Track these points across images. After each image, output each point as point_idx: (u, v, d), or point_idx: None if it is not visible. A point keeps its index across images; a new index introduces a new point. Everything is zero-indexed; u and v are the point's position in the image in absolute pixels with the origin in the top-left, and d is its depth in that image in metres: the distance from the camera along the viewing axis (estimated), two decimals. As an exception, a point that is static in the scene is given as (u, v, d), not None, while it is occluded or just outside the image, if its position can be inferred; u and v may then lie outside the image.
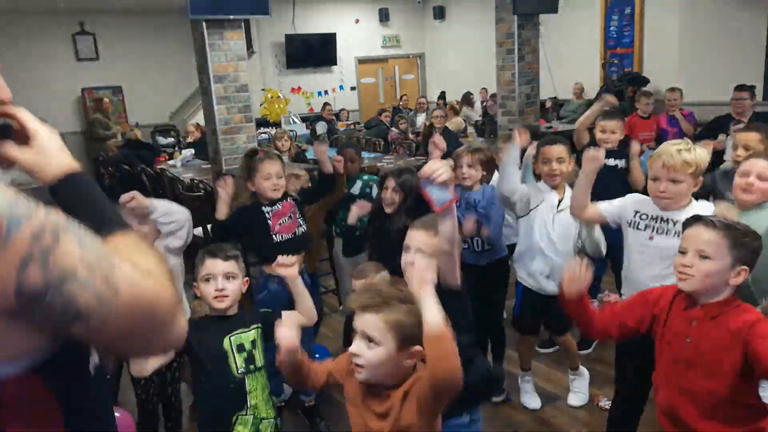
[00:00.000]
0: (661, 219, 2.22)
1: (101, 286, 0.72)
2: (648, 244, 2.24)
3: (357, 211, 3.17)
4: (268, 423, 2.03)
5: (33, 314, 0.70)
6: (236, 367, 1.97)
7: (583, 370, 3.14)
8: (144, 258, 0.84)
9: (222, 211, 2.94)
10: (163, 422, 2.65)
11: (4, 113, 0.97)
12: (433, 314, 1.35)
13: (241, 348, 1.99)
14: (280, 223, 2.93)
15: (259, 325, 2.07)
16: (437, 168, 1.64)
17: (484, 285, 3.03)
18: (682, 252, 1.72)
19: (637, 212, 2.29)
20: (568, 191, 2.82)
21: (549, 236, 2.82)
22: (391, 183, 2.89)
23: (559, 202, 2.84)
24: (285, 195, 2.99)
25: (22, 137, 0.97)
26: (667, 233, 2.19)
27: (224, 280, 1.96)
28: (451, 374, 1.35)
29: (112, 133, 9.45)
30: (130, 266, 0.77)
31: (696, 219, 1.74)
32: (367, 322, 1.43)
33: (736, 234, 1.66)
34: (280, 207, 2.95)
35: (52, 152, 0.97)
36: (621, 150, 3.72)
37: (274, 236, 2.91)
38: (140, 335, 0.79)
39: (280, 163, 2.98)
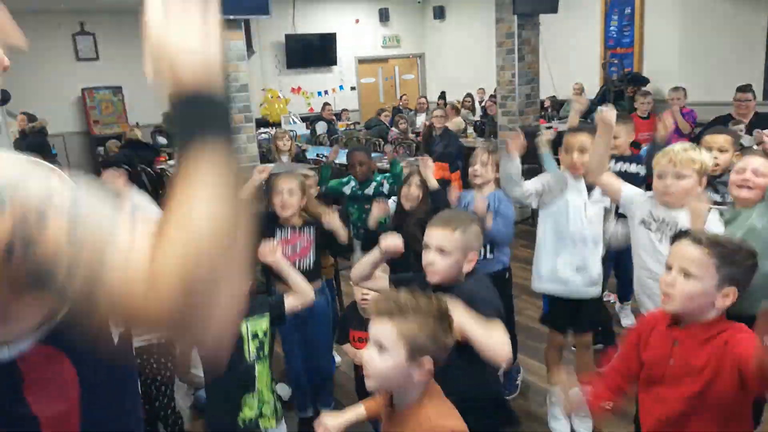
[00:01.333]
0: (663, 221, 2.21)
1: (80, 285, 0.67)
2: (660, 247, 2.22)
3: (377, 212, 3.11)
4: (269, 406, 2.20)
5: (41, 291, 0.68)
6: (249, 352, 2.15)
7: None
8: (173, 243, 0.67)
9: (246, 190, 2.90)
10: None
11: None
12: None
13: (255, 336, 2.17)
14: (287, 254, 2.81)
15: (269, 312, 2.24)
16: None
17: None
18: (668, 268, 1.62)
19: (651, 212, 2.26)
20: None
21: (582, 222, 2.69)
22: (415, 179, 2.92)
23: (589, 190, 2.72)
24: (306, 225, 2.88)
25: None
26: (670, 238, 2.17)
27: None
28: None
29: None
30: (121, 265, 0.67)
31: (684, 234, 1.66)
32: (380, 329, 1.42)
33: (725, 252, 1.54)
34: (288, 235, 2.84)
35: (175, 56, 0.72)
36: (636, 155, 3.65)
37: None
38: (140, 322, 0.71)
39: (296, 182, 2.82)
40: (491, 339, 1.63)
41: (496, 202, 2.93)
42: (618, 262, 3.61)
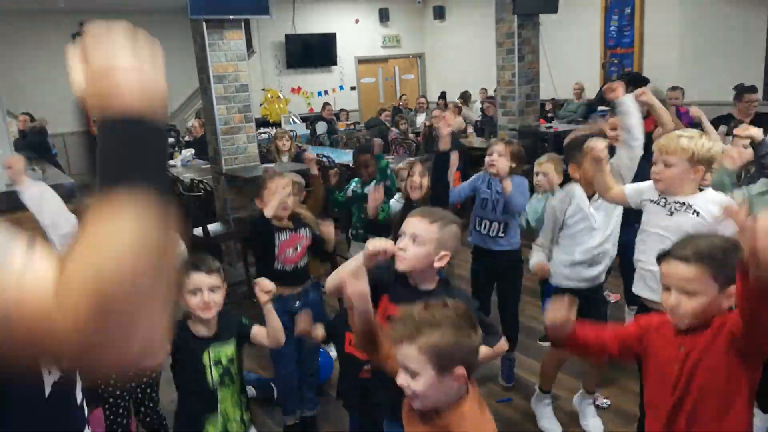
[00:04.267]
0: (678, 201, 2.21)
1: None
2: (668, 220, 2.21)
3: (373, 199, 3.22)
4: (234, 422, 2.19)
5: None
6: (211, 379, 2.13)
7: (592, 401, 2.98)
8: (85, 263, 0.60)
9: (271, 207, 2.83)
10: None
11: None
12: None
13: (217, 362, 2.14)
14: (285, 254, 2.88)
15: (236, 335, 2.20)
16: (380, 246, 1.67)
17: (497, 273, 3.21)
18: (666, 288, 1.60)
19: (660, 195, 2.27)
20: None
21: (591, 227, 2.74)
22: (418, 168, 2.98)
23: (591, 197, 2.76)
24: (300, 225, 2.95)
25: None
26: (685, 211, 2.18)
27: (209, 292, 2.09)
28: None
29: None
30: (20, 268, 0.61)
31: (666, 253, 1.61)
32: (403, 353, 1.40)
33: (716, 260, 1.51)
34: (287, 237, 2.90)
35: (101, 83, 0.65)
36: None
37: (277, 264, 2.88)
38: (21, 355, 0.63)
39: (290, 182, 2.92)
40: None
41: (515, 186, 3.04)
42: (624, 264, 3.57)
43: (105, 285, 0.58)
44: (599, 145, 2.38)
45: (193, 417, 2.15)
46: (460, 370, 1.38)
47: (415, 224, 1.80)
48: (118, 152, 0.63)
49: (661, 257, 1.62)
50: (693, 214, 2.16)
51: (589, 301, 2.79)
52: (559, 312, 1.69)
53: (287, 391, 2.97)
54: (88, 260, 0.59)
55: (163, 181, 0.65)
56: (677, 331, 1.62)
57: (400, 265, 1.79)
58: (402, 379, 1.41)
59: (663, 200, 2.26)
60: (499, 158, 3.01)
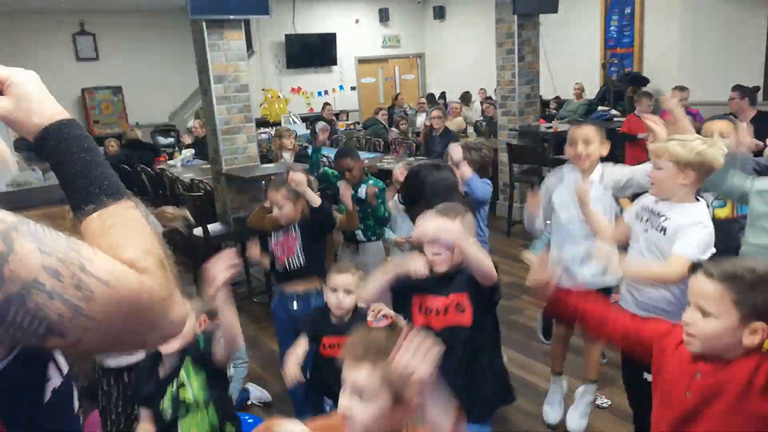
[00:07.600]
0: (653, 211, 2.19)
1: (71, 294, 0.62)
2: (644, 235, 2.21)
3: (344, 195, 3.33)
4: None
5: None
6: (164, 411, 1.89)
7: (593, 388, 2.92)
8: (132, 239, 0.74)
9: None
10: None
11: None
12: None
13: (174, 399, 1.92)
14: (278, 255, 2.98)
15: (185, 358, 1.93)
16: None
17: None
18: (689, 304, 1.46)
19: (643, 207, 2.25)
20: (600, 169, 2.68)
21: (579, 215, 2.55)
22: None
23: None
24: (292, 226, 2.97)
25: None
26: (655, 227, 2.16)
27: None
28: None
29: None
30: (104, 260, 0.67)
31: (697, 266, 1.49)
32: (360, 375, 1.27)
33: (744, 285, 1.34)
34: (282, 237, 2.98)
35: (32, 99, 0.84)
36: None
37: (277, 264, 2.99)
38: (128, 333, 0.70)
39: (284, 191, 2.91)
40: (486, 259, 1.85)
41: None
42: None
43: (154, 253, 0.74)
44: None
45: None
46: (416, 402, 1.23)
47: (438, 225, 1.91)
48: (96, 170, 0.81)
49: (692, 269, 1.59)
50: (659, 231, 2.13)
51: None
52: (538, 274, 1.72)
53: (298, 400, 2.86)
54: (137, 239, 0.75)
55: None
56: (696, 356, 1.45)
57: (441, 268, 1.94)
58: (347, 402, 1.27)
59: (643, 213, 2.23)
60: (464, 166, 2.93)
